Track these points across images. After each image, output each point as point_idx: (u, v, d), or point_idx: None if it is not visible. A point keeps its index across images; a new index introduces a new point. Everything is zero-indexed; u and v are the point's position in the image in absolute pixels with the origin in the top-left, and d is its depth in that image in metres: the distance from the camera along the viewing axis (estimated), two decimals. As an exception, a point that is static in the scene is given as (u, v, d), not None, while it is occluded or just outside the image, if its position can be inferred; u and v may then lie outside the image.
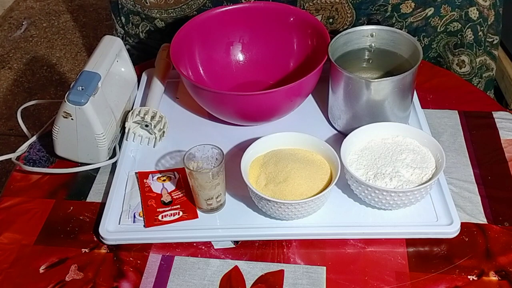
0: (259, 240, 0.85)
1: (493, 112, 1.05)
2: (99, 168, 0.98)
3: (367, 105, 0.94)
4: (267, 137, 0.90)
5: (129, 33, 1.44)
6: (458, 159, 0.96)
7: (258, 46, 1.14)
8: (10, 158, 1.01)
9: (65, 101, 0.89)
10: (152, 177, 0.94)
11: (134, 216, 0.87)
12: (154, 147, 1.00)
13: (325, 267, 0.81)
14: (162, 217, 0.87)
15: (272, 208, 0.82)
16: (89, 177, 0.97)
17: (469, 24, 1.31)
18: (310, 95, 1.05)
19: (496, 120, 1.03)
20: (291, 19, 1.09)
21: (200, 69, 1.10)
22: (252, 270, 0.81)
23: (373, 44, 1.01)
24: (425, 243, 0.83)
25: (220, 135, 1.02)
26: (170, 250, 0.84)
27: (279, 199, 0.81)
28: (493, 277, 0.79)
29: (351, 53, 1.01)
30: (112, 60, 0.98)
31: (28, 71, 2.20)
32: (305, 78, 0.92)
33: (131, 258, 0.84)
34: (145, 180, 0.93)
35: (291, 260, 0.82)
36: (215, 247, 0.84)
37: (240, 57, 1.14)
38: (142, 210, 0.88)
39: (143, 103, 1.08)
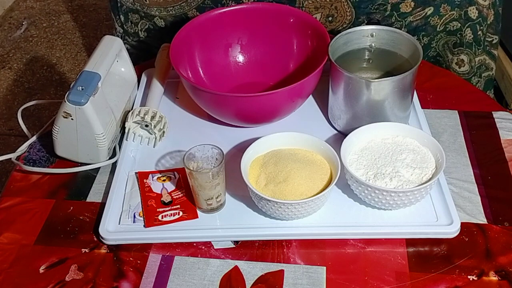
0: (259, 240, 0.85)
1: (493, 112, 1.05)
2: (99, 168, 0.98)
3: (367, 105, 0.94)
4: (267, 137, 0.90)
5: (128, 32, 1.44)
6: (458, 159, 0.96)
7: (258, 47, 1.13)
8: (10, 158, 1.01)
9: (65, 101, 0.89)
10: (152, 177, 0.94)
11: (134, 216, 0.87)
12: (154, 147, 1.00)
13: (325, 267, 0.81)
14: (162, 217, 0.87)
15: (272, 208, 0.82)
16: (89, 177, 0.97)
17: (469, 24, 1.31)
18: (310, 95, 1.05)
19: (496, 120, 1.03)
20: (291, 20, 1.09)
21: (200, 70, 1.10)
22: (252, 270, 0.81)
23: (373, 44, 1.01)
24: (425, 243, 0.83)
25: (220, 135, 1.02)
26: (170, 250, 0.84)
27: (279, 199, 0.81)
28: (493, 277, 0.79)
29: (351, 53, 1.01)
30: (112, 60, 0.98)
31: (28, 71, 2.20)
32: (306, 78, 0.92)
33: (131, 258, 0.84)
34: (145, 180, 0.93)
35: (291, 260, 0.82)
36: (215, 247, 0.84)
37: (240, 58, 1.14)
38: (142, 210, 0.88)
39: (143, 103, 1.08)
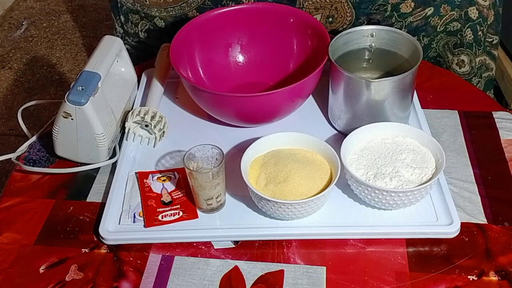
0: (259, 240, 0.85)
1: (493, 112, 1.05)
2: (99, 168, 0.98)
3: (367, 105, 0.94)
4: (267, 137, 0.90)
5: (128, 32, 1.44)
6: (458, 159, 0.96)
7: (258, 47, 1.13)
8: (10, 158, 1.01)
9: (65, 101, 0.89)
10: (152, 177, 0.94)
11: (134, 216, 0.87)
12: (154, 147, 1.00)
13: (325, 267, 0.81)
14: (162, 217, 0.87)
15: (272, 208, 0.82)
16: (89, 177, 0.97)
17: (469, 24, 1.31)
18: (310, 95, 1.05)
19: (496, 120, 1.03)
20: (291, 20, 1.09)
21: (200, 70, 1.10)
22: (252, 270, 0.81)
23: (373, 44, 1.01)
24: (425, 243, 0.83)
25: (220, 135, 1.02)
26: (170, 250, 0.84)
27: (279, 199, 0.81)
28: (493, 277, 0.79)
29: (351, 53, 1.01)
30: (112, 60, 0.98)
31: (28, 71, 2.20)
32: (307, 78, 0.92)
33: (131, 258, 0.84)
34: (145, 180, 0.93)
35: (291, 260, 0.82)
36: (215, 247, 0.84)
37: (240, 58, 1.14)
38: (142, 210, 0.88)
39: (143, 103, 1.08)
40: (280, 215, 0.83)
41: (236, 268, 0.81)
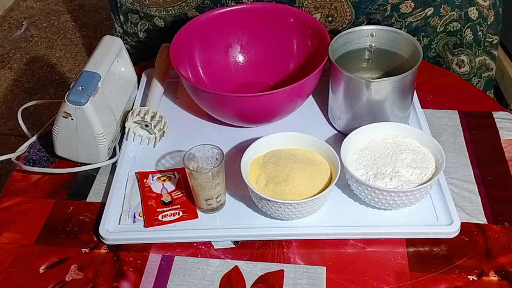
0: (259, 240, 0.85)
1: (493, 112, 1.05)
2: (99, 168, 0.98)
3: (367, 105, 0.94)
4: (267, 137, 0.90)
5: (128, 32, 1.44)
6: (458, 159, 0.96)
7: (258, 47, 1.13)
8: (10, 158, 1.01)
9: (65, 101, 0.89)
10: (152, 177, 0.94)
11: (134, 216, 0.87)
12: (154, 147, 1.00)
13: (325, 267, 0.81)
14: (162, 217, 0.87)
15: (272, 208, 0.82)
16: (89, 177, 0.97)
17: (469, 24, 1.31)
18: (310, 95, 1.05)
19: (496, 120, 1.03)
20: (291, 20, 1.09)
21: (200, 70, 1.10)
22: (252, 270, 0.81)
23: (373, 44, 1.01)
24: (425, 243, 0.83)
25: (220, 135, 1.02)
26: (170, 250, 0.84)
27: (279, 199, 0.81)
28: (493, 277, 0.79)
29: (351, 53, 1.01)
30: (112, 60, 0.98)
31: (28, 71, 2.20)
32: (307, 78, 0.92)
33: (131, 258, 0.84)
34: (145, 180, 0.93)
35: (291, 260, 0.82)
36: (215, 247, 0.84)
37: (240, 58, 1.14)
38: (142, 210, 0.88)
39: (143, 103, 1.08)
40: (280, 215, 0.83)
41: (236, 268, 0.81)
